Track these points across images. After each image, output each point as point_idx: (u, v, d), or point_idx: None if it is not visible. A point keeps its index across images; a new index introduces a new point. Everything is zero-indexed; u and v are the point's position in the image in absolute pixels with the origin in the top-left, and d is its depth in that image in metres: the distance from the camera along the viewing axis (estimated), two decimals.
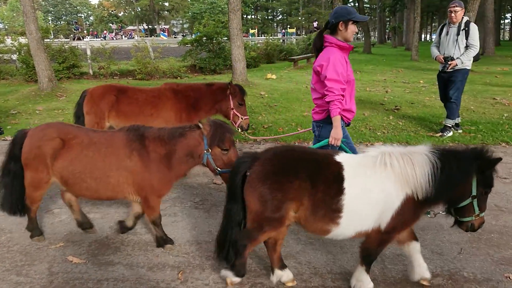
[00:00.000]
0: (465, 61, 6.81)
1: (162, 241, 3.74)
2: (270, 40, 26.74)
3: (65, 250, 3.73)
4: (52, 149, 3.45)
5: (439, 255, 3.57)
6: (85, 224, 4.01)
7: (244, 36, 18.93)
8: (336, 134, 3.68)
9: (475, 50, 6.73)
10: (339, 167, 2.87)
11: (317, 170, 2.87)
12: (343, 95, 3.69)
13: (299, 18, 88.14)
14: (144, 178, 3.47)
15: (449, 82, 7.01)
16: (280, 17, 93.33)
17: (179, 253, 3.66)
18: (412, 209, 2.80)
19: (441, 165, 2.69)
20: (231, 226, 3.04)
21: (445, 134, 7.17)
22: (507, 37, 68.78)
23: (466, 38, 6.70)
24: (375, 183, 2.80)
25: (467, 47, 6.72)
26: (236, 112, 5.26)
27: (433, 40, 7.47)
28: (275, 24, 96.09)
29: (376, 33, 55.49)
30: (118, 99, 5.23)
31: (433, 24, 75.57)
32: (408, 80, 13.99)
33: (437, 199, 2.78)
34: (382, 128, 7.86)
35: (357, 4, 28.52)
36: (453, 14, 6.63)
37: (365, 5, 66.31)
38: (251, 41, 27.21)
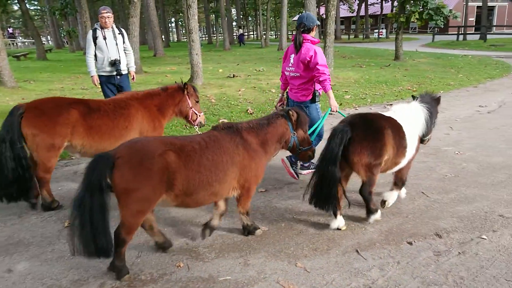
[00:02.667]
0: (133, 65, 7.42)
1: (253, 228, 3.99)
2: None
3: None
4: (169, 163, 3.14)
5: None
6: (166, 244, 3.74)
7: None
8: (335, 103, 5.05)
9: (132, 53, 7.36)
10: (394, 119, 4.12)
11: (391, 123, 4.05)
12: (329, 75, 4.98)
13: None
14: (250, 170, 3.62)
15: (120, 87, 7.21)
16: None
17: None
18: (419, 144, 4.39)
19: (428, 111, 4.31)
20: (336, 183, 3.82)
21: None
22: (176, 39, 77.94)
23: (123, 42, 7.08)
24: (409, 127, 4.16)
25: (124, 50, 7.11)
26: (194, 110, 5.30)
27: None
28: None
29: (51, 37, 52.19)
30: (82, 113, 4.55)
31: None
32: (87, 86, 13.71)
33: (427, 132, 4.40)
34: None
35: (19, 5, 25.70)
36: (105, 20, 6.77)
37: (34, 7, 61.18)
38: None
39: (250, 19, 68.10)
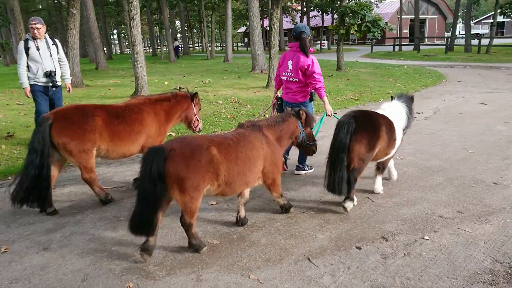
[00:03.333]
0: (69, 77, 7.28)
1: (288, 206, 4.64)
2: None
3: None
4: (214, 155, 3.58)
5: None
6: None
7: None
8: (330, 108, 5.71)
9: (67, 65, 7.19)
10: (387, 116, 4.81)
11: (384, 118, 4.73)
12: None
13: None
14: (272, 162, 4.15)
15: (54, 99, 6.97)
16: None
17: None
18: (403, 135, 5.13)
19: (407, 108, 5.12)
20: (345, 169, 4.45)
21: None
22: (119, 51, 75.96)
23: (57, 53, 6.85)
24: (398, 122, 4.93)
25: (59, 61, 6.91)
26: (197, 118, 5.71)
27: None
28: None
29: None
30: (105, 120, 4.83)
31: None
32: (23, 101, 12.98)
33: (408, 125, 5.20)
34: None
35: None
36: (36, 31, 6.51)
37: None
38: None
39: (195, 31, 67.86)
